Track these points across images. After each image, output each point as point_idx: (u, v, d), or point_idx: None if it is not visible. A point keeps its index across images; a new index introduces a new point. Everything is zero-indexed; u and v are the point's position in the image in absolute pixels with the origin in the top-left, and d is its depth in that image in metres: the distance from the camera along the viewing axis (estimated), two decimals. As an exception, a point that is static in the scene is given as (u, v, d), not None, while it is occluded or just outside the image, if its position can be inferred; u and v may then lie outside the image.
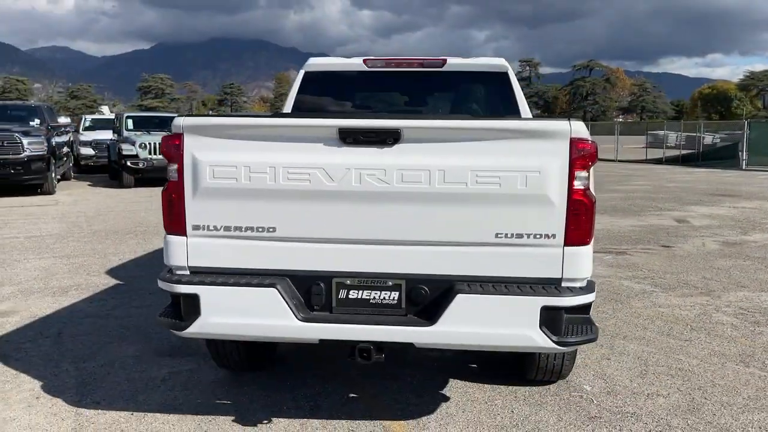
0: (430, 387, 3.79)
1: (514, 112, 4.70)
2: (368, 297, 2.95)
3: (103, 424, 3.31)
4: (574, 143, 2.75)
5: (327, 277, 2.94)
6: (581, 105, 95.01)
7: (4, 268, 6.93)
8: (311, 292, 2.95)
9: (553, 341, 2.79)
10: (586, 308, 2.92)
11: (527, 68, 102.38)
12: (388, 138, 2.81)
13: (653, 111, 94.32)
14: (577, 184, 2.77)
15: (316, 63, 5.02)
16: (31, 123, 15.00)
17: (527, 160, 2.76)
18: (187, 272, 3.00)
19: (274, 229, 2.92)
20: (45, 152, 13.84)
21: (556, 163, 2.75)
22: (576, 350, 3.69)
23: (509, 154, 2.78)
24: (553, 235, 2.79)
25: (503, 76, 4.72)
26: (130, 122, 18.03)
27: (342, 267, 2.93)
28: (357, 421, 3.34)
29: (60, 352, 4.35)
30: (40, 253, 7.71)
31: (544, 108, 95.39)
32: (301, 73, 4.96)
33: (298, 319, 2.89)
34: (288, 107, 4.88)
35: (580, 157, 2.75)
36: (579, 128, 2.77)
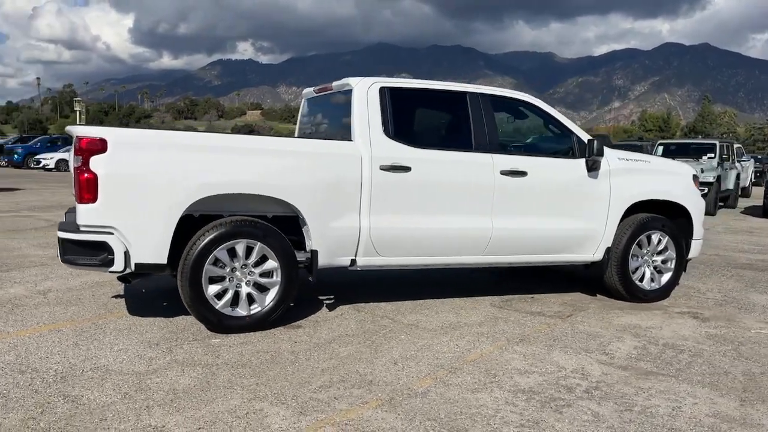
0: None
1: (347, 126, 4.97)
2: None
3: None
4: (78, 139, 4.16)
5: None
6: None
7: None
8: None
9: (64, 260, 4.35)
10: (93, 245, 4.21)
11: None
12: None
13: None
14: (75, 164, 4.21)
15: (307, 91, 6.23)
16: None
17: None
18: None
19: None
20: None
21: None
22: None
23: None
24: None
25: (348, 94, 5.05)
26: None
27: None
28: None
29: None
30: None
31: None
32: (304, 99, 6.32)
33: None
34: (298, 121, 6.43)
35: (78, 147, 4.14)
36: (82, 130, 4.20)
